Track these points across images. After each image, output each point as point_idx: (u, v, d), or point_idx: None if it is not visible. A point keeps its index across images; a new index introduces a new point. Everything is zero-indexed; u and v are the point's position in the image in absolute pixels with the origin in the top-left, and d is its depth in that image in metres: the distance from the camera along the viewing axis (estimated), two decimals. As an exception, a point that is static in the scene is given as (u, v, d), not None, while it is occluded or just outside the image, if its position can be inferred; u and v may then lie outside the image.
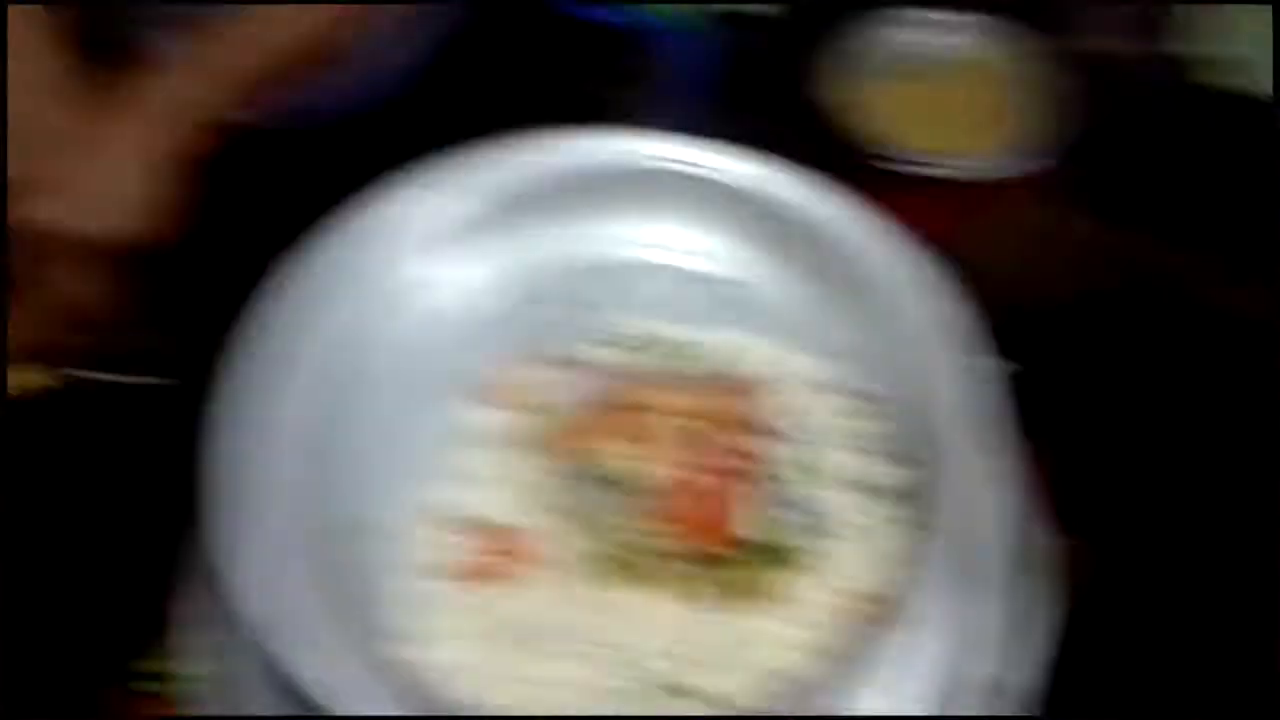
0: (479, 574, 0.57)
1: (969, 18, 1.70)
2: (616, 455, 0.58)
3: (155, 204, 0.79)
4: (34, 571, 0.77)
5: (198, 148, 0.79)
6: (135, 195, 0.77)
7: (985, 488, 0.55)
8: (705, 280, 0.71)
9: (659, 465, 0.57)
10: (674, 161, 0.72)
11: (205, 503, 0.51)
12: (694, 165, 0.72)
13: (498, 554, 0.58)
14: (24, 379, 0.86)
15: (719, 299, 0.70)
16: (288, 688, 0.48)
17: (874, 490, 0.60)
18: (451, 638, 0.55)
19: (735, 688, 0.52)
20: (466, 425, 0.64)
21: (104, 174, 0.76)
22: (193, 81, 0.79)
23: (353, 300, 0.64)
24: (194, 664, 0.58)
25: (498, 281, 0.70)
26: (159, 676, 0.73)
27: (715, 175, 0.71)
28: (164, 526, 0.72)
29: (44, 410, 0.84)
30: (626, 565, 0.56)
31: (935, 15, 1.71)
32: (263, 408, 0.56)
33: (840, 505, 0.59)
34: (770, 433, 0.60)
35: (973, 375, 0.59)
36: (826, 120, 1.52)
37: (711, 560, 0.55)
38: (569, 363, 0.66)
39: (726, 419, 0.59)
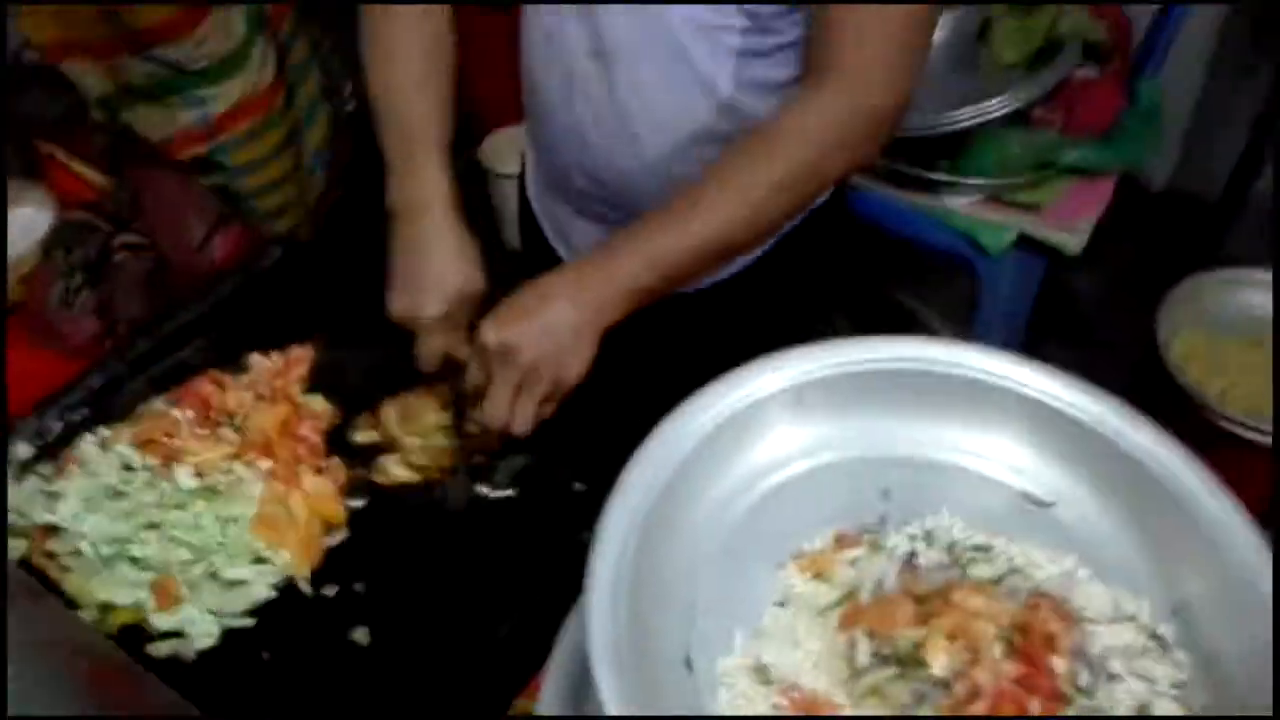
0: (781, 731, 0.61)
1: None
2: (936, 648, 0.60)
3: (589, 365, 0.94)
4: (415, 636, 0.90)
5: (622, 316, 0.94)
6: (580, 359, 0.93)
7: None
8: (1026, 497, 0.74)
9: (980, 670, 0.59)
10: (1007, 379, 0.76)
11: (580, 605, 0.59)
12: (1027, 386, 0.76)
13: (800, 715, 0.61)
14: (394, 473, 1.02)
15: (1038, 518, 0.72)
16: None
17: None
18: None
19: None
20: (787, 591, 0.68)
21: (557, 337, 0.92)
22: (632, 266, 0.93)
23: (708, 473, 0.72)
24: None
25: (828, 464, 0.76)
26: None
27: (1047, 399, 0.75)
28: (538, 615, 0.83)
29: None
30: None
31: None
32: (622, 544, 0.64)
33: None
34: (1087, 661, 0.61)
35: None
36: (1160, 366, 1.50)
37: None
38: (885, 549, 0.70)
39: (1045, 638, 0.60)
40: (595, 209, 1.21)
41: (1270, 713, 0.56)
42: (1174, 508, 0.67)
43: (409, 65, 1.06)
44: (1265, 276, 1.69)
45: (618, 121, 1.09)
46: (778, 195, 0.94)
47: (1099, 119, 1.86)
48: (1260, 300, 1.68)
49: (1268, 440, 1.43)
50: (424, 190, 1.03)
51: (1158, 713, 0.60)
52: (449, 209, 1.03)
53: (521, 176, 1.37)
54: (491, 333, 0.93)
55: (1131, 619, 0.65)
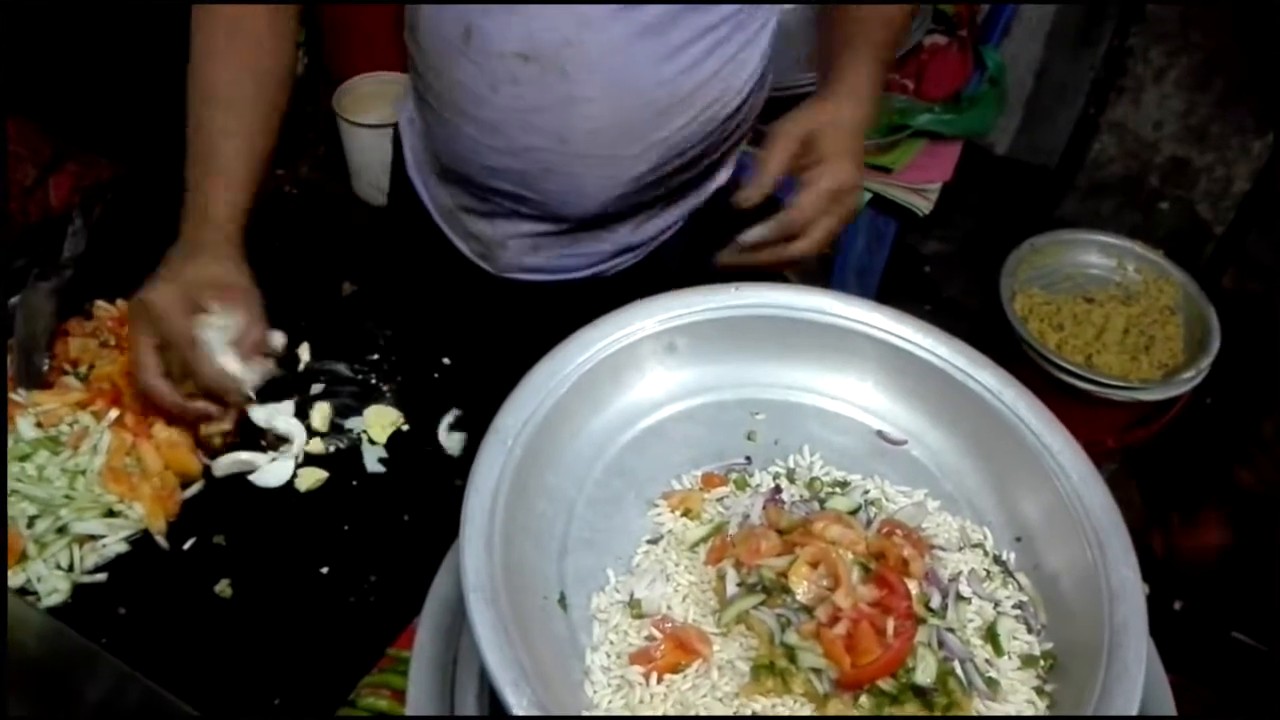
0: (651, 660, 0.62)
1: (1139, 247, 1.78)
2: (799, 575, 0.63)
3: None
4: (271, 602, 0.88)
5: None
6: None
7: (1127, 683, 0.58)
8: (880, 435, 0.78)
9: (841, 595, 0.62)
10: (863, 324, 0.80)
11: (454, 548, 0.59)
12: (882, 330, 0.79)
13: (670, 645, 0.63)
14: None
15: (891, 454, 0.76)
16: None
17: (1027, 658, 0.63)
18: (623, 710, 0.60)
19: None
20: (658, 529, 0.70)
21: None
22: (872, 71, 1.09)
23: (581, 414, 0.73)
24: (416, 697, 0.65)
25: (697, 407, 0.78)
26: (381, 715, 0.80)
27: (899, 342, 0.78)
28: (410, 564, 0.82)
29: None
30: (791, 679, 0.60)
31: (1107, 240, 1.80)
32: (496, 483, 0.64)
33: (998, 667, 0.63)
34: (938, 584, 0.65)
35: (1133, 572, 0.63)
36: (1000, 321, 1.60)
37: (881, 695, 0.59)
38: (751, 487, 0.73)
39: (899, 564, 0.64)
40: (503, 205, 1.12)
41: (1098, 622, 0.61)
42: (1014, 442, 0.72)
43: (222, 73, 0.98)
44: (1097, 238, 1.81)
45: (550, 124, 1.02)
46: None
47: (947, 85, 1.94)
48: (1093, 260, 1.81)
49: (1097, 389, 1.54)
50: (202, 231, 0.96)
51: (1002, 630, 0.64)
52: (225, 249, 0.97)
53: (396, 137, 1.25)
54: (829, 181, 1.04)
55: (977, 546, 0.70)
